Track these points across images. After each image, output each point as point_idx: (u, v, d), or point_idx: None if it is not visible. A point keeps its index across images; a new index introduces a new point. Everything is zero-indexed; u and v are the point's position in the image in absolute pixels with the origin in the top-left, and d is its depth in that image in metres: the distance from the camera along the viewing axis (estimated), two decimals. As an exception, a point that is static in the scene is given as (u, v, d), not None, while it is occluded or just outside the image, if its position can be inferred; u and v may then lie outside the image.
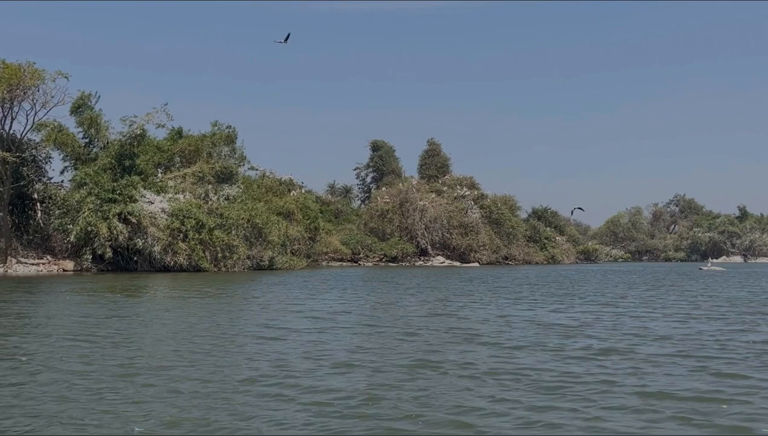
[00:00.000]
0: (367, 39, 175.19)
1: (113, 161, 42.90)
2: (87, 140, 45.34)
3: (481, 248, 72.22)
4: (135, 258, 41.45)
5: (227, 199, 45.59)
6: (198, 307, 18.13)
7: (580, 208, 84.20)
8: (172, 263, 41.15)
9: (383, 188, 76.48)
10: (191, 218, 41.41)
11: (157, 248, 40.66)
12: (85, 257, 40.50)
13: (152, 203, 41.71)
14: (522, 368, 9.63)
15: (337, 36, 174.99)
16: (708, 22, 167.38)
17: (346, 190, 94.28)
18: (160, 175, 44.84)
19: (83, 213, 39.92)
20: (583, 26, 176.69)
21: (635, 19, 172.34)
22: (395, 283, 31.00)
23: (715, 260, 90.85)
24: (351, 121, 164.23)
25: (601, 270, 56.98)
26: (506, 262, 74.88)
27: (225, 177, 46.95)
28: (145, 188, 42.25)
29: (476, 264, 69.08)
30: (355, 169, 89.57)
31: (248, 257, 44.25)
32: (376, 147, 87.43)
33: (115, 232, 39.83)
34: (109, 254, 40.06)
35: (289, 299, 21.08)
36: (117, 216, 40.15)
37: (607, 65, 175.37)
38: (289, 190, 65.09)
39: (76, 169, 44.82)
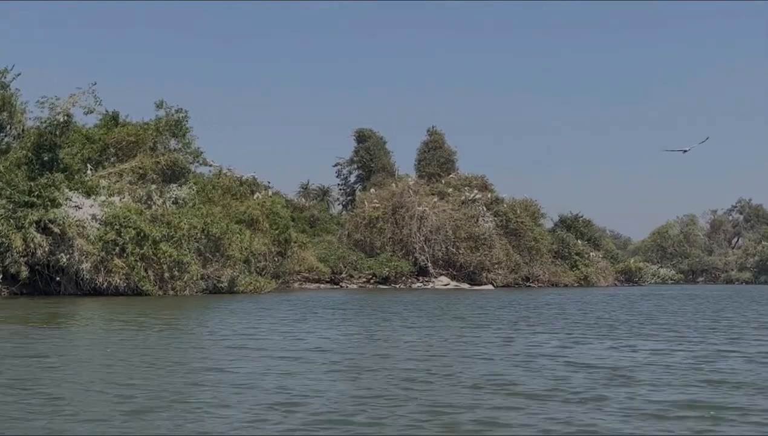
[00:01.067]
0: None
1: (30, 154, 42.80)
2: (-4, 127, 45.32)
3: (496, 266, 72.50)
4: (57, 278, 41.26)
5: (176, 203, 45.57)
6: (131, 345, 18.01)
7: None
8: (106, 284, 41.02)
9: (372, 190, 76.69)
10: (130, 227, 41.30)
11: (86, 266, 40.51)
12: (-7, 276, 40.24)
13: (80, 208, 41.58)
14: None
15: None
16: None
17: (324, 192, 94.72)
18: (89, 172, 44.75)
19: (-9, 221, 39.68)
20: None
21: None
22: (389, 313, 31.00)
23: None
24: (330, 105, 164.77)
25: (654, 295, 57.06)
26: (528, 284, 75.18)
27: (173, 175, 46.93)
28: (70, 189, 42.13)
29: (490, 286, 69.25)
30: (335, 166, 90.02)
31: (202, 277, 44.17)
32: (362, 137, 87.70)
33: (32, 245, 39.58)
34: (24, 272, 39.78)
35: (252, 333, 21.03)
36: (35, 225, 39.89)
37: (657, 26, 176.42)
38: (252, 193, 65.20)
39: (-21, 163, 44.71)
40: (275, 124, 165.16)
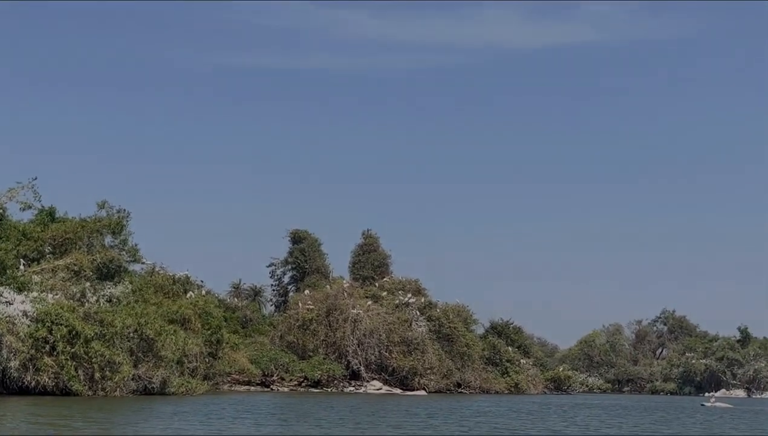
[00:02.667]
0: (280, 104, 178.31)
1: (-38, 248, 42.01)
2: (-76, 220, 44.54)
3: (429, 371, 72.49)
4: (-17, 376, 40.08)
5: (109, 301, 44.96)
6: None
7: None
8: (33, 382, 39.97)
9: (306, 291, 76.53)
10: (62, 324, 40.54)
11: (14, 364, 39.52)
12: None
13: (10, 304, 40.80)
14: None
15: (241, 97, 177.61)
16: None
17: (256, 293, 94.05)
18: (22, 267, 44.02)
19: None
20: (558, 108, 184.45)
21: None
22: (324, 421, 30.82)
23: (716, 394, 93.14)
24: (263, 206, 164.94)
25: (583, 405, 57.68)
26: (459, 390, 75.18)
27: (108, 273, 46.39)
28: (1, 284, 41.38)
29: (423, 392, 69.07)
30: (269, 266, 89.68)
31: (134, 378, 43.35)
32: (297, 238, 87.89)
33: (-42, 340, 38.59)
34: (-52, 369, 38.68)
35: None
36: (-37, 320, 38.97)
37: (586, 153, 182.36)
38: (185, 291, 64.57)
39: None
40: (207, 222, 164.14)
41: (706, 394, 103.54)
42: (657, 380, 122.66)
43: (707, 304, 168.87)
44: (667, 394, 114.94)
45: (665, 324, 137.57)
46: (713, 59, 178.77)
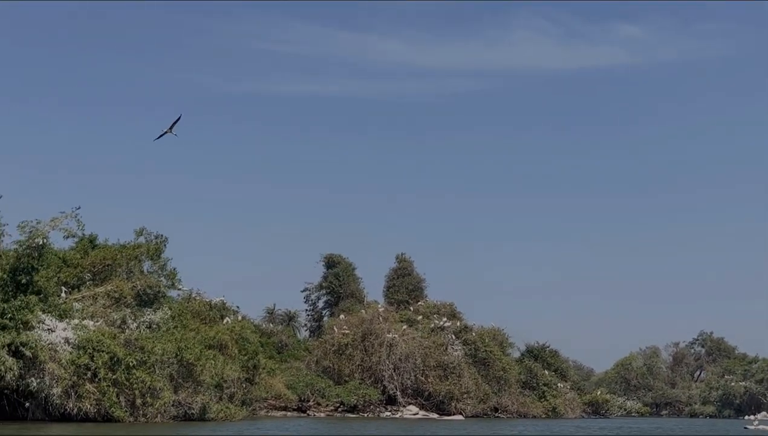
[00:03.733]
0: (312, 129, 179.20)
1: (5, 277, 42.51)
2: (-31, 250, 45.12)
3: (465, 395, 72.20)
4: (26, 403, 40.48)
5: (149, 327, 45.31)
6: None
7: None
8: (75, 409, 40.33)
9: (341, 316, 76.64)
10: (104, 351, 40.95)
11: (56, 391, 39.91)
12: (-41, 400, 39.47)
13: (53, 331, 41.25)
14: None
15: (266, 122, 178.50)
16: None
17: (290, 318, 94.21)
18: (63, 295, 44.51)
19: (-40, 343, 39.13)
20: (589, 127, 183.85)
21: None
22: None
23: (759, 417, 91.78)
24: (297, 230, 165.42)
25: (627, 427, 57.00)
26: (496, 414, 74.74)
27: (148, 299, 46.80)
28: (44, 312, 41.83)
29: (460, 417, 68.74)
30: (304, 291, 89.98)
31: (174, 404, 43.57)
32: (331, 263, 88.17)
33: (2, 368, 39.01)
34: (-8, 397, 39.15)
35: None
36: (6, 348, 39.43)
37: (623, 169, 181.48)
38: (222, 317, 64.95)
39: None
40: (240, 247, 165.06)
41: (747, 417, 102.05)
42: (696, 403, 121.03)
43: (746, 325, 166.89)
44: (706, 417, 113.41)
45: (703, 346, 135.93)
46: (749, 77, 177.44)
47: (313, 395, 67.85)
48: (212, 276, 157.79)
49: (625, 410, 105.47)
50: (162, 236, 49.10)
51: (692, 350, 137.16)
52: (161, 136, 46.13)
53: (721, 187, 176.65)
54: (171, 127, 45.75)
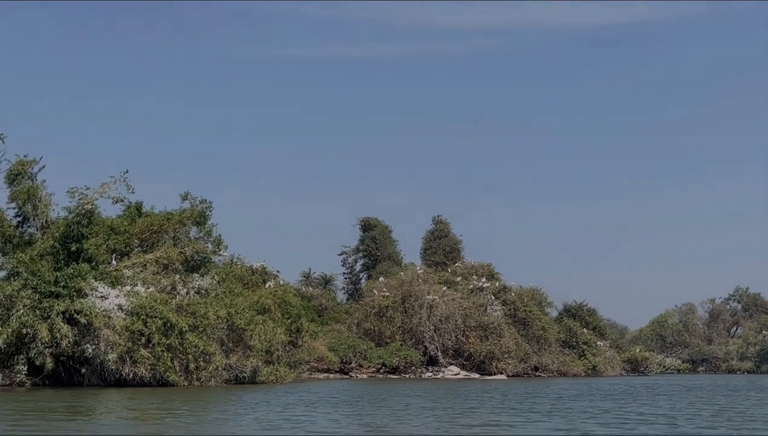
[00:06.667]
0: (343, 93, 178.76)
1: (56, 245, 43.04)
2: (20, 219, 45.60)
3: (506, 355, 72.47)
4: (82, 369, 41.11)
5: (198, 292, 45.72)
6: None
7: None
8: (131, 374, 40.87)
9: (381, 279, 76.96)
10: (157, 317, 41.39)
11: (111, 357, 40.41)
12: (18, 367, 40.09)
13: (106, 299, 41.69)
14: None
15: (303, 81, 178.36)
16: None
17: (326, 281, 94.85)
18: (114, 262, 44.98)
19: (16, 311, 39.72)
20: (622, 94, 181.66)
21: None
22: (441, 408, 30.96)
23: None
24: (330, 193, 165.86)
25: (680, 386, 56.66)
26: (537, 373, 75.01)
27: (195, 265, 47.20)
28: (96, 279, 42.28)
29: (503, 376, 69.07)
30: (341, 254, 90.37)
31: (225, 368, 44.09)
32: (367, 226, 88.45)
33: (58, 335, 39.61)
34: (49, 364, 39.75)
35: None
36: (61, 315, 40.01)
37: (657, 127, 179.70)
38: (264, 281, 65.42)
39: (4, 254, 44.87)
40: (274, 212, 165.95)
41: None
42: (733, 359, 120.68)
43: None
44: (744, 373, 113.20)
45: (739, 302, 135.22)
46: None
47: (355, 357, 68.47)
48: (247, 241, 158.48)
49: (665, 367, 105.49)
50: (207, 200, 49.36)
51: (728, 306, 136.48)
52: None
53: (750, 137, 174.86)
54: None
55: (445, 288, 74.44)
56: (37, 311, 39.99)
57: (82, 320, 40.13)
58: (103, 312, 40.86)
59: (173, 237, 47.76)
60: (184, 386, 41.58)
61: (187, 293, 45.02)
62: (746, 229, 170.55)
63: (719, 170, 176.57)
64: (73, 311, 40.28)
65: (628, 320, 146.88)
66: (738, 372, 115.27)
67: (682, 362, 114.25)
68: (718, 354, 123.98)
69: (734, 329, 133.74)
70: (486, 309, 74.57)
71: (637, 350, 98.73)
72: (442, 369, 71.09)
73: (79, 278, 41.46)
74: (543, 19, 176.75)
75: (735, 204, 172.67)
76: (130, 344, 40.91)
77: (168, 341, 41.45)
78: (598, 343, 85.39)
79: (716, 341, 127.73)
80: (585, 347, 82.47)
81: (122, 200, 46.11)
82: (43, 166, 45.56)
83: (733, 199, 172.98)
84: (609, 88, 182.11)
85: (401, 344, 70.54)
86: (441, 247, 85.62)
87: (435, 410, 27.70)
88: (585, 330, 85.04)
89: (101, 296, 41.69)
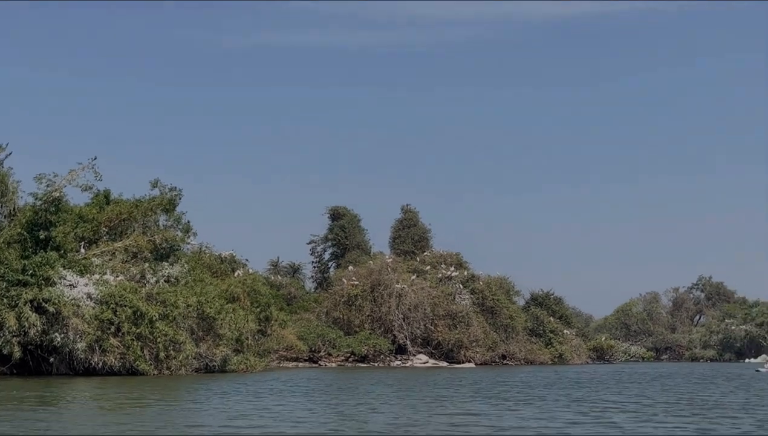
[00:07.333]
0: (315, 81, 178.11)
1: (24, 233, 42.58)
2: (-14, 206, 45.17)
3: (474, 343, 72.79)
4: (51, 358, 40.75)
5: (168, 281, 45.43)
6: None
7: None
8: (100, 363, 40.63)
9: (350, 267, 76.89)
10: (126, 306, 41.14)
11: (80, 345, 40.18)
12: (-15, 356, 39.68)
13: (74, 287, 41.39)
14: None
15: (269, 69, 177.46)
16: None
17: (294, 270, 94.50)
18: (82, 250, 44.55)
19: (-17, 300, 39.31)
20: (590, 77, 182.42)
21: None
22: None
23: (759, 359, 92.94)
24: (299, 182, 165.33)
25: (651, 374, 57.47)
26: (504, 362, 75.45)
27: (164, 253, 46.88)
28: (64, 268, 41.88)
29: (471, 365, 69.40)
30: (310, 243, 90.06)
31: (196, 357, 43.91)
32: (336, 215, 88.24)
33: (26, 324, 39.26)
34: (17, 353, 39.38)
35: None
36: (29, 303, 39.62)
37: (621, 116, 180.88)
38: (233, 270, 65.12)
39: (-30, 242, 44.33)
40: (243, 200, 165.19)
41: (748, 360, 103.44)
42: (696, 347, 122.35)
43: (744, 270, 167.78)
44: (707, 361, 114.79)
45: (702, 291, 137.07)
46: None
47: (324, 345, 68.42)
48: (215, 230, 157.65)
49: (630, 355, 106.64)
50: (176, 188, 49.04)
51: (691, 295, 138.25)
52: None
53: (716, 135, 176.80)
54: None
55: (414, 277, 74.57)
56: (5, 300, 39.69)
57: (51, 309, 39.84)
58: (72, 301, 40.58)
59: (142, 225, 47.35)
60: (154, 374, 41.41)
61: (157, 281, 44.75)
62: (710, 218, 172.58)
63: (683, 162, 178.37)
64: (41, 300, 39.99)
65: (593, 308, 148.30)
66: (701, 360, 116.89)
67: (647, 350, 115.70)
68: (682, 342, 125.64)
69: (697, 317, 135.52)
70: (454, 298, 74.79)
71: (603, 339, 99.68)
72: (411, 358, 71.25)
73: (47, 266, 41.10)
74: (516, 11, 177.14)
75: (699, 194, 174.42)
76: (99, 332, 40.69)
77: (138, 330, 41.25)
78: (565, 331, 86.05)
79: (680, 330, 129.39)
80: (552, 335, 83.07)
81: (91, 188, 45.63)
82: (10, 154, 45.20)
83: (697, 189, 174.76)
84: (574, 80, 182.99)
85: (370, 333, 70.60)
86: (410, 236, 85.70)
87: (408, 399, 27.80)
88: (552, 319, 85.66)
89: (70, 285, 41.40)
